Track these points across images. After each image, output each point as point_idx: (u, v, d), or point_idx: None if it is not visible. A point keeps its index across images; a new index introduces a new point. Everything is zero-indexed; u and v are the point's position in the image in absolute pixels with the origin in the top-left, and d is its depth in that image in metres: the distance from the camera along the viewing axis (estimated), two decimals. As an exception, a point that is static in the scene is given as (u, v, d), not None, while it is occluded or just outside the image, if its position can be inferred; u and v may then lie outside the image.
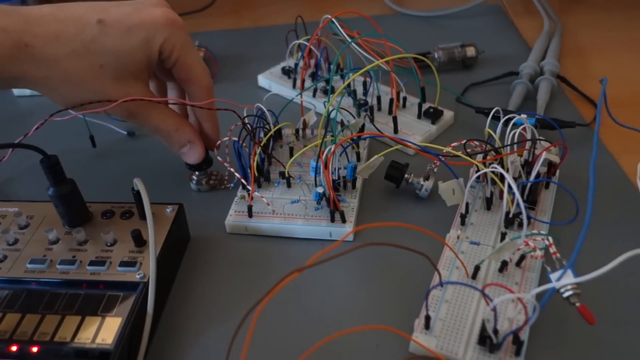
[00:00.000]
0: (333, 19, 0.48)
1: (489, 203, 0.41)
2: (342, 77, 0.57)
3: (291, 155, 0.47)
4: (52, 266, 0.36)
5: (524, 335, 0.32)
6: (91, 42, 0.36)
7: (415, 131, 0.50)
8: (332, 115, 0.44)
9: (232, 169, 0.44)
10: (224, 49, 0.68)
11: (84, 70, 0.36)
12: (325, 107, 0.44)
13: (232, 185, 0.46)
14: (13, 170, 0.50)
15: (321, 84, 0.56)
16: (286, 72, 0.60)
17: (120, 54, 0.37)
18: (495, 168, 0.37)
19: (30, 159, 0.47)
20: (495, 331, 0.31)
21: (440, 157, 0.40)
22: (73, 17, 0.36)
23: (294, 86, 0.58)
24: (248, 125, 0.43)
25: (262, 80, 0.61)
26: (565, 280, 0.29)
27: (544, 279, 0.36)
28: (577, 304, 0.30)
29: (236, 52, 0.69)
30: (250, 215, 0.42)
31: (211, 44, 0.65)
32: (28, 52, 0.34)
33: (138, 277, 0.35)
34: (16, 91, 0.63)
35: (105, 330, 0.32)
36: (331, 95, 0.45)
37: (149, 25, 0.37)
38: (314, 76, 0.57)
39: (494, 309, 0.30)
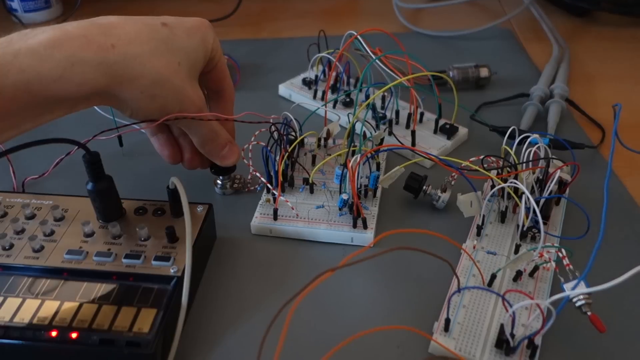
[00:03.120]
0: (358, 37, 0.50)
1: (503, 216, 0.43)
2: (361, 90, 0.59)
3: (313, 162, 0.49)
4: (88, 257, 0.38)
5: (538, 340, 0.34)
6: (167, 41, 0.37)
7: (432, 145, 0.52)
8: (357, 126, 0.46)
9: (257, 173, 0.45)
10: (244, 57, 0.70)
11: (167, 67, 0.36)
12: (349, 120, 0.46)
13: (258, 188, 0.48)
14: (40, 166, 0.51)
15: (341, 96, 0.58)
16: (307, 83, 0.62)
17: (189, 52, 0.38)
18: (514, 183, 0.40)
19: (55, 155, 0.49)
20: (512, 335, 0.33)
21: (460, 170, 0.42)
22: (140, 21, 0.37)
23: (315, 97, 0.60)
24: (275, 133, 0.45)
25: (283, 89, 0.63)
26: (579, 290, 0.32)
27: (554, 289, 0.38)
28: (589, 313, 0.32)
29: (256, 61, 0.71)
30: (275, 218, 0.44)
31: (232, 52, 0.67)
32: (117, 53, 0.34)
33: (172, 271, 0.37)
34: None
35: (141, 320, 0.34)
36: (357, 108, 0.48)
37: (201, 27, 0.40)
38: (333, 88, 0.60)
39: (513, 314, 0.32)
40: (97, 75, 0.33)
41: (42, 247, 0.39)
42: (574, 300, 0.32)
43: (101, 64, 0.33)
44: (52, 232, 0.40)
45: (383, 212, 0.46)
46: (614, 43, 0.76)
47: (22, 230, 0.40)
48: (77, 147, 0.37)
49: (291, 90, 0.62)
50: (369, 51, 0.51)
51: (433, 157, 0.42)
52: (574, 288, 0.32)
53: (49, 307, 0.35)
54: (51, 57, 0.31)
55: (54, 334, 0.33)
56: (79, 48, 0.32)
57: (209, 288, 0.40)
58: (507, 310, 0.33)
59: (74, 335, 0.33)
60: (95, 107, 0.53)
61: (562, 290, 0.32)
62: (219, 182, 0.48)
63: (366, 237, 0.42)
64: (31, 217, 0.41)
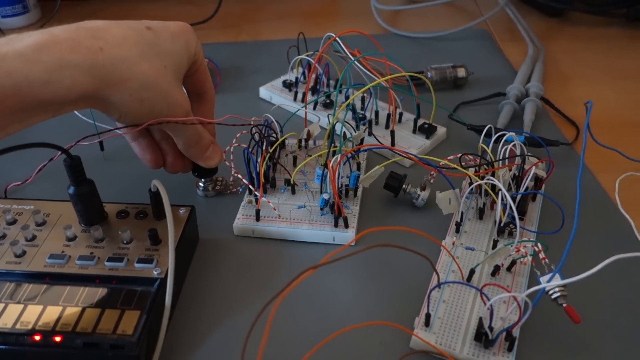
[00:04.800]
0: (337, 38, 0.51)
1: (481, 213, 0.44)
2: (341, 91, 0.59)
3: (295, 164, 0.50)
4: (70, 261, 0.38)
5: (516, 332, 0.34)
6: (153, 45, 0.37)
7: (411, 145, 0.53)
8: (337, 127, 0.47)
9: (239, 175, 0.46)
10: (224, 61, 0.71)
11: (155, 70, 0.37)
12: (329, 121, 0.47)
13: (240, 189, 0.48)
14: (20, 172, 0.51)
15: (321, 98, 0.59)
16: (287, 85, 0.62)
17: (174, 56, 0.39)
18: (491, 180, 0.40)
19: (38, 161, 0.49)
20: (491, 328, 0.34)
21: (439, 168, 0.43)
22: (125, 25, 0.37)
23: (295, 99, 0.60)
24: (256, 135, 0.46)
25: (264, 92, 0.63)
26: (555, 282, 0.33)
27: (532, 282, 0.39)
28: (564, 305, 0.33)
29: (237, 64, 0.71)
30: (257, 219, 0.44)
31: (212, 55, 0.68)
32: (105, 55, 0.34)
33: (155, 273, 0.37)
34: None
35: (125, 322, 0.34)
36: (337, 109, 0.48)
37: (184, 31, 0.40)
38: (314, 90, 0.60)
39: (491, 307, 0.33)
40: (86, 78, 0.33)
41: (24, 252, 0.39)
42: (550, 292, 0.33)
43: (90, 67, 0.33)
44: (34, 237, 0.40)
45: (364, 211, 0.47)
46: (588, 43, 0.78)
47: (3, 236, 0.40)
48: (60, 152, 0.37)
49: (272, 92, 0.62)
50: (347, 52, 0.52)
51: (412, 156, 0.43)
52: (549, 280, 0.33)
53: (32, 311, 0.35)
54: (39, 60, 0.31)
55: (37, 338, 0.33)
56: (68, 51, 0.32)
57: (193, 289, 0.40)
58: (485, 304, 0.34)
59: (57, 339, 0.33)
60: (75, 112, 0.53)
61: (539, 283, 0.33)
62: (201, 184, 0.49)
63: (348, 235, 0.43)
64: (12, 222, 0.41)
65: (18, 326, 0.34)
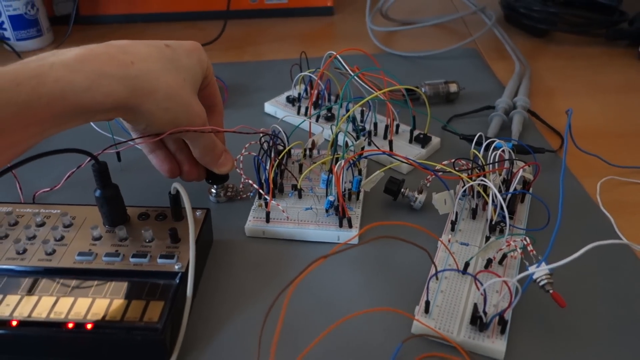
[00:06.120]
0: (338, 56, 0.55)
1: (474, 213, 0.48)
2: (342, 105, 0.63)
3: (300, 171, 0.54)
4: (97, 258, 0.41)
5: (508, 316, 0.38)
6: (172, 60, 0.41)
7: (408, 153, 0.56)
8: (339, 138, 0.51)
9: (249, 181, 0.49)
10: (230, 79, 0.74)
11: (177, 83, 0.40)
12: (332, 132, 0.51)
13: (251, 194, 0.52)
14: (44, 178, 0.54)
15: (323, 111, 0.63)
16: (290, 100, 0.66)
17: (190, 71, 0.43)
18: (483, 181, 0.44)
19: (59, 170, 0.52)
20: (484, 312, 0.37)
21: (435, 171, 0.46)
22: (148, 43, 0.41)
23: (298, 113, 0.64)
24: (265, 144, 0.50)
25: (269, 107, 0.67)
26: (542, 268, 0.36)
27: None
28: (551, 291, 0.36)
29: (242, 82, 0.75)
30: (267, 220, 0.48)
31: (218, 74, 0.72)
32: (136, 68, 0.38)
33: (176, 267, 0.40)
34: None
35: (150, 311, 0.37)
36: (339, 120, 0.52)
37: (197, 49, 0.44)
38: (315, 105, 0.64)
39: (484, 292, 0.37)
40: (120, 87, 0.37)
41: (54, 251, 0.42)
42: (538, 280, 0.37)
43: (123, 78, 0.37)
44: (62, 237, 0.43)
45: (365, 213, 0.50)
46: (570, 60, 0.83)
47: (34, 237, 0.43)
48: (89, 158, 0.41)
49: (276, 107, 0.66)
50: (347, 68, 0.56)
51: (411, 160, 0.47)
52: (537, 267, 0.36)
53: (64, 303, 0.38)
54: (81, 70, 0.35)
55: (70, 326, 0.36)
56: (104, 63, 0.37)
57: (209, 285, 0.44)
58: (478, 289, 0.37)
59: (89, 326, 0.36)
60: (93, 124, 0.57)
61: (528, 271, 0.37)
62: (213, 191, 0.52)
63: (351, 235, 0.47)
64: (41, 224, 0.44)
65: (52, 316, 0.37)
